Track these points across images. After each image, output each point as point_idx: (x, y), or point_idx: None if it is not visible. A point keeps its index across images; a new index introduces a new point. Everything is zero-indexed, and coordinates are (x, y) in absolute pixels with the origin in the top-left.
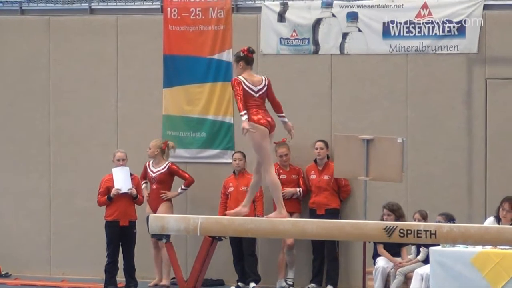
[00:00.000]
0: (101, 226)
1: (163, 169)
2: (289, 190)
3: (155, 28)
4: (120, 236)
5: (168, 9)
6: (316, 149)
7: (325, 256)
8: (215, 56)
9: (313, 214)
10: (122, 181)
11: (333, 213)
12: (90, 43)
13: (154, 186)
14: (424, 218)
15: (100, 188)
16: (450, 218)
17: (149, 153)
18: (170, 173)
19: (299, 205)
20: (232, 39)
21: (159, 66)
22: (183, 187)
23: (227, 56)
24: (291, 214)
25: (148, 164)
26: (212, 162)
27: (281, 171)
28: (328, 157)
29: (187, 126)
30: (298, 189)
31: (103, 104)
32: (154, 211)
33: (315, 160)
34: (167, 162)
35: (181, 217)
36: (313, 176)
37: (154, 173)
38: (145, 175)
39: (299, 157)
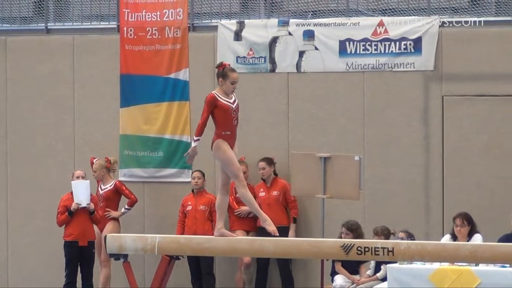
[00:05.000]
0: (60, 246)
1: (110, 186)
2: (245, 208)
3: (112, 48)
4: (79, 256)
5: (125, 28)
6: (259, 169)
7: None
8: (172, 75)
9: (263, 232)
10: (82, 194)
11: (283, 231)
12: (47, 63)
13: (101, 204)
14: (393, 234)
15: (59, 208)
16: (410, 235)
17: (96, 176)
18: (116, 191)
19: (255, 224)
20: (189, 58)
21: (116, 86)
22: (126, 207)
23: (184, 75)
24: (247, 232)
25: (99, 184)
26: (170, 181)
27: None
28: (276, 174)
29: (144, 146)
30: None
31: (60, 124)
32: (101, 230)
33: (263, 179)
34: (114, 180)
35: (138, 237)
36: (262, 194)
37: (102, 190)
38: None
39: (257, 175)
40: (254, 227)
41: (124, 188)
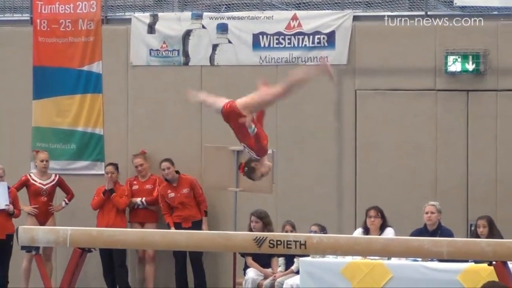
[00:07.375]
0: None
1: (52, 180)
2: (134, 199)
3: (25, 40)
4: None
5: (38, 20)
6: (163, 169)
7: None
8: (85, 68)
9: (178, 227)
10: (1, 196)
11: (198, 225)
12: None
13: (45, 199)
14: (294, 227)
15: None
16: (323, 229)
17: (41, 168)
18: (58, 185)
19: (155, 216)
20: (102, 51)
21: (29, 78)
22: (66, 201)
23: (97, 67)
24: (142, 224)
25: (31, 176)
26: (83, 174)
27: (134, 182)
28: (178, 172)
29: (56, 138)
30: (140, 199)
31: None
32: (43, 224)
33: (166, 179)
34: (53, 174)
35: (50, 229)
36: (171, 195)
37: (44, 185)
38: (20, 187)
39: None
40: (154, 219)
41: (65, 183)
